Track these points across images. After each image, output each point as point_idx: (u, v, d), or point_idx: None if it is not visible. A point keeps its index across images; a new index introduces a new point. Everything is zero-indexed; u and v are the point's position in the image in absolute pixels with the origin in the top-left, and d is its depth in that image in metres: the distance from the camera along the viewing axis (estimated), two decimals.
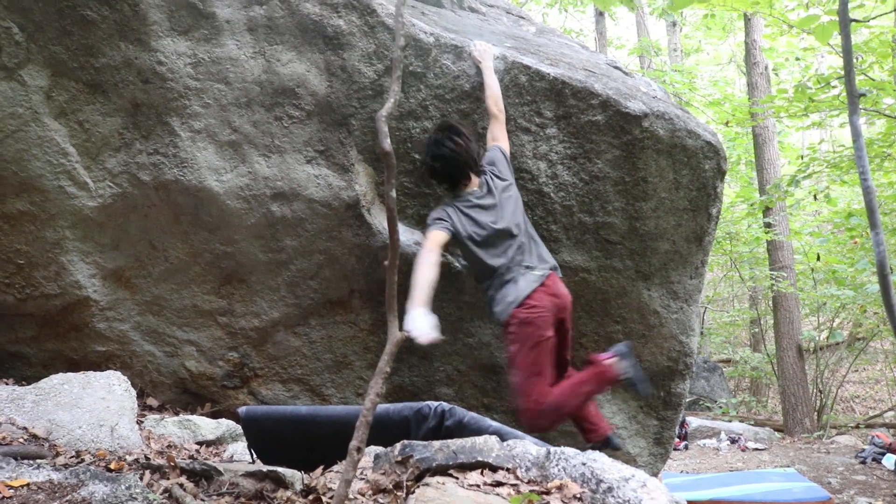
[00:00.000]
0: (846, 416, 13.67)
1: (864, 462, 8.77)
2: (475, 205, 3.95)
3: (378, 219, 4.26)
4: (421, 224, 4.35)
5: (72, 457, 3.14)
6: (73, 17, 3.75)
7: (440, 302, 4.40)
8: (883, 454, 8.76)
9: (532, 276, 3.93)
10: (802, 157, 10.12)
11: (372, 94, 4.09)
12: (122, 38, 3.82)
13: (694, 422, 11.71)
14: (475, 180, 4.02)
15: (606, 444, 4.08)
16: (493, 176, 4.03)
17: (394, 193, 2.95)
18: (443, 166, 3.95)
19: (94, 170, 4.02)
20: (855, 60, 8.14)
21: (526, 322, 3.86)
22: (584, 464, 2.49)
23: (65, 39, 3.79)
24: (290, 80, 4.02)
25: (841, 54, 3.71)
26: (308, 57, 4.03)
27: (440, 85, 4.16)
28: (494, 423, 3.16)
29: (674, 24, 17.55)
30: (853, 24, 3.80)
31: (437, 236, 3.84)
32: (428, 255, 3.76)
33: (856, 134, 3.59)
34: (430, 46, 4.14)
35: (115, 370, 4.03)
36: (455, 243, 3.99)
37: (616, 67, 5.27)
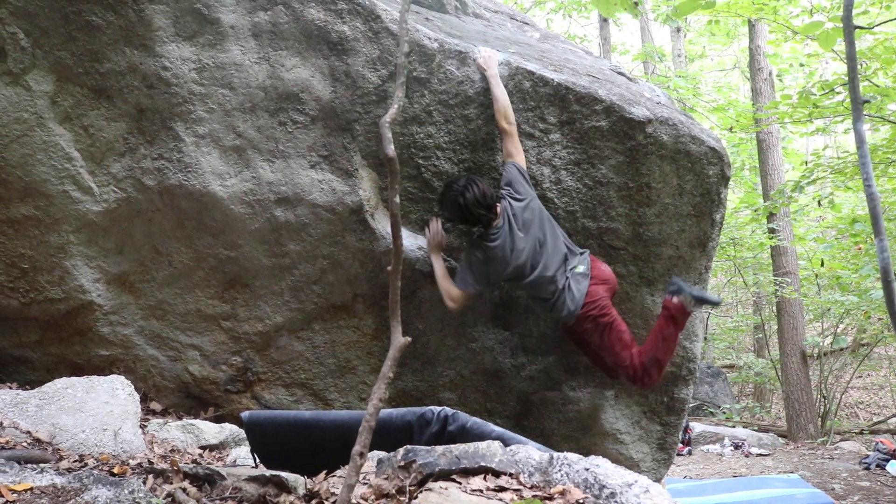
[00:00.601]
0: (850, 422, 13.63)
1: (868, 468, 8.75)
2: (497, 243, 4.10)
3: (382, 224, 4.27)
4: (424, 229, 4.36)
5: (75, 461, 3.14)
6: (79, 22, 3.76)
7: (444, 307, 4.41)
8: (887, 460, 8.75)
9: (579, 275, 4.24)
10: (807, 163, 10.12)
11: (376, 100, 4.10)
12: (127, 43, 3.83)
13: (697, 427, 11.69)
14: (498, 212, 4.11)
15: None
16: (510, 200, 4.11)
17: (397, 199, 2.96)
18: (462, 217, 4.08)
19: (98, 174, 4.03)
20: (859, 67, 8.13)
21: (594, 318, 4.26)
22: (587, 469, 2.49)
23: (70, 45, 3.80)
24: (294, 85, 4.03)
25: (845, 60, 3.72)
26: (312, 62, 4.04)
27: (444, 90, 4.17)
28: (497, 429, 3.16)
29: (678, 30, 17.56)
30: (857, 30, 3.80)
31: (462, 296, 4.21)
32: (450, 303, 4.20)
33: (860, 140, 3.60)
34: (434, 52, 4.15)
35: (119, 374, 4.04)
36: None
37: (620, 73, 5.28)
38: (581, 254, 4.33)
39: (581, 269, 4.23)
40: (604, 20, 17.02)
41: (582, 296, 4.21)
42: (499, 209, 4.09)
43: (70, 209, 4.03)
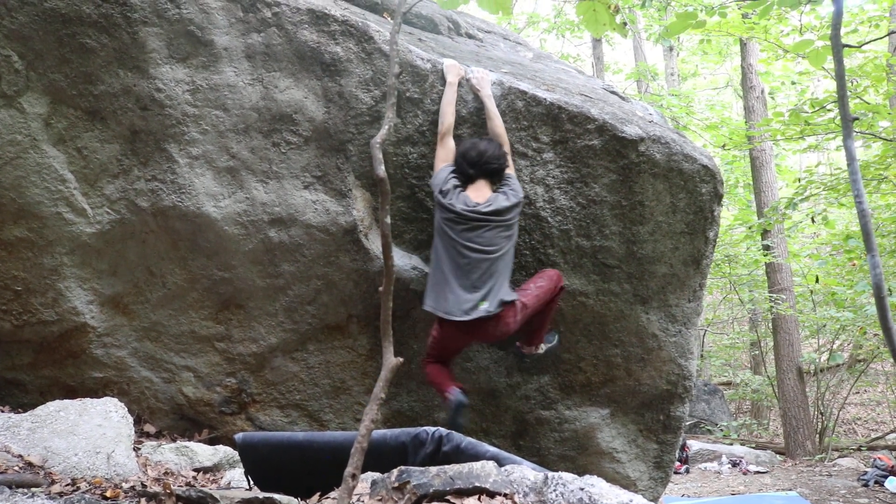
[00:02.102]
0: (848, 439, 13.60)
1: (866, 485, 8.72)
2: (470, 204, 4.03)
3: (376, 244, 4.27)
4: (418, 249, 4.36)
5: (67, 485, 3.11)
6: (73, 45, 3.78)
7: None
8: (885, 477, 8.71)
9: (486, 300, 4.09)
10: (800, 180, 10.15)
11: (369, 120, 4.11)
12: (121, 65, 3.85)
13: (695, 445, 11.64)
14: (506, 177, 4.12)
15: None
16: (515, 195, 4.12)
17: (388, 220, 2.97)
18: (476, 162, 4.04)
19: (92, 196, 4.03)
20: (849, 84, 8.20)
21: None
22: (581, 489, 2.48)
23: (64, 67, 3.81)
24: (287, 106, 4.04)
25: (835, 78, 3.75)
26: (306, 83, 4.05)
27: (437, 111, 4.19)
28: (492, 449, 3.15)
29: (671, 49, 17.68)
30: (846, 49, 3.83)
31: (447, 135, 4.14)
32: (440, 128, 4.14)
33: (850, 158, 3.62)
34: (427, 72, 4.17)
35: (113, 397, 4.01)
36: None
37: (613, 92, 5.31)
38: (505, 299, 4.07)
39: (485, 305, 3.98)
40: (596, 40, 17.14)
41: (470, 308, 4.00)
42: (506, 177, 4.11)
43: (64, 231, 4.02)
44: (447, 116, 4.12)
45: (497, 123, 4.14)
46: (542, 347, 4.46)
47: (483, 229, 3.99)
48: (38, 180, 3.93)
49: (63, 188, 3.97)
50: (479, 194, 4.06)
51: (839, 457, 11.23)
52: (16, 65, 3.77)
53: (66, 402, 3.75)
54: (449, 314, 3.99)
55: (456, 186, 4.04)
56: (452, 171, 4.07)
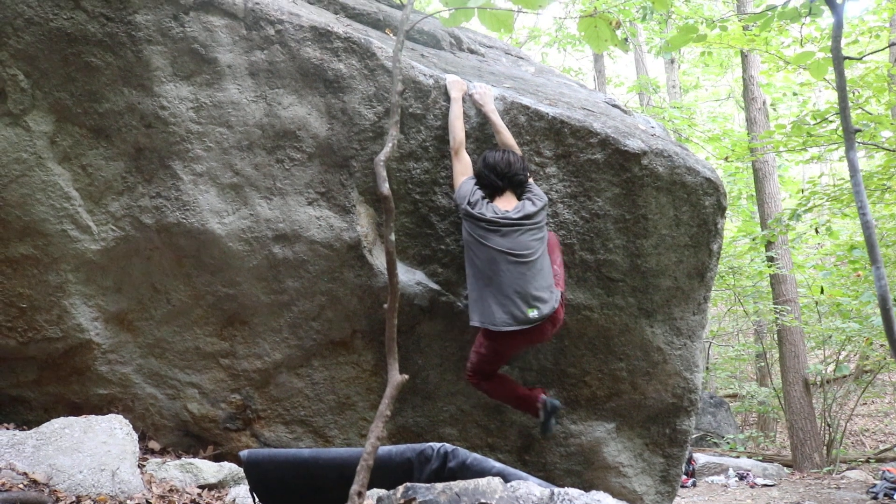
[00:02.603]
0: (856, 451, 13.52)
1: (875, 497, 8.66)
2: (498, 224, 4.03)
3: (380, 259, 4.27)
4: (422, 264, 4.37)
5: (72, 502, 3.12)
6: (78, 63, 3.80)
7: (443, 341, 4.42)
8: (895, 489, 8.66)
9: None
10: (803, 191, 10.15)
11: (372, 136, 4.13)
12: (126, 83, 3.87)
13: (701, 458, 11.58)
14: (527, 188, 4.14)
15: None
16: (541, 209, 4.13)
17: (393, 237, 2.98)
18: (502, 173, 4.05)
19: (96, 213, 4.05)
20: (851, 95, 8.21)
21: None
22: None
23: (69, 86, 3.84)
24: (291, 122, 4.06)
25: (836, 89, 3.76)
26: (309, 100, 4.07)
27: (440, 126, 4.20)
28: (498, 465, 3.14)
29: (672, 62, 17.74)
30: (847, 60, 3.84)
31: (461, 149, 4.15)
32: (452, 143, 4.16)
33: (853, 169, 3.61)
34: (429, 88, 4.19)
35: (117, 413, 4.02)
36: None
37: (615, 106, 5.32)
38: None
39: (534, 314, 4.00)
40: (598, 54, 17.20)
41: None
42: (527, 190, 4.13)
43: (68, 248, 4.04)
44: (457, 131, 4.14)
45: (506, 136, 4.16)
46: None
47: (516, 234, 4.00)
48: (43, 198, 3.94)
49: (68, 205, 3.98)
50: (507, 203, 4.08)
51: (847, 469, 11.16)
52: (22, 84, 3.80)
53: (71, 419, 3.75)
54: (499, 326, 3.98)
55: (483, 197, 4.06)
56: (475, 183, 4.09)
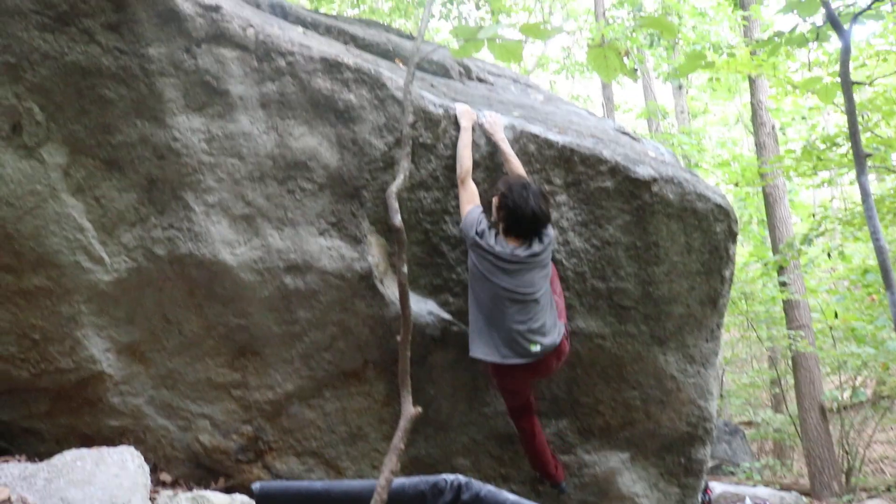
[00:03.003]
0: (876, 479, 13.30)
1: None
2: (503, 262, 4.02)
3: (391, 289, 4.27)
4: (433, 293, 4.36)
5: None
6: (92, 96, 3.84)
7: (455, 371, 4.39)
8: None
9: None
10: (814, 215, 10.11)
11: (383, 166, 4.14)
12: (139, 115, 3.91)
13: (717, 487, 11.40)
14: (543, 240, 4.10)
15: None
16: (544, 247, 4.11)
17: (405, 269, 2.97)
18: (526, 215, 4.00)
19: (109, 245, 4.06)
20: (861, 119, 8.20)
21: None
22: None
23: (83, 118, 3.87)
24: (302, 153, 4.08)
25: (846, 114, 3.76)
26: (320, 131, 4.10)
27: (450, 156, 4.22)
28: (512, 497, 3.12)
29: (680, 87, 17.78)
30: (855, 84, 3.84)
31: (468, 178, 4.16)
32: (459, 172, 4.18)
33: (865, 194, 3.61)
34: (439, 118, 4.21)
35: (129, 445, 3.99)
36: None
37: (624, 133, 5.33)
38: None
39: (536, 349, 4.02)
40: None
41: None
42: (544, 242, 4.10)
43: (81, 279, 4.05)
44: (465, 160, 4.14)
45: (515, 165, 4.17)
46: None
47: (523, 273, 4.00)
48: (57, 229, 3.96)
49: (81, 237, 4.00)
50: (516, 240, 4.07)
51: (867, 497, 10.99)
52: (37, 117, 3.83)
53: (83, 451, 3.73)
54: (502, 360, 4.00)
55: (490, 227, 4.06)
56: (482, 211, 4.08)
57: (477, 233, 4.01)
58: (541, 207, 4.00)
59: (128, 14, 3.76)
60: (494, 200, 4.11)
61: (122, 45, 3.80)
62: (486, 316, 4.01)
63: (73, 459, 3.64)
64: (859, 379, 13.38)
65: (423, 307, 4.32)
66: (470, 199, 4.12)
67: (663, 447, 4.93)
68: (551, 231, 4.15)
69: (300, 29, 4.63)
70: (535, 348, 3.98)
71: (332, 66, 4.09)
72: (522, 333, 3.97)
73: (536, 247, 4.04)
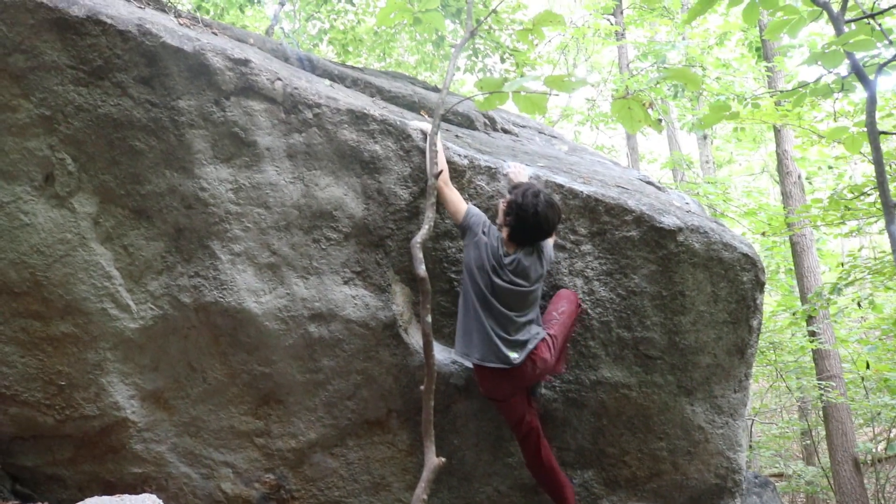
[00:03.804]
0: None
1: None
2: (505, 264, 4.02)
3: (415, 338, 4.26)
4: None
5: None
6: (123, 147, 3.92)
7: (479, 421, 4.35)
8: None
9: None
10: (843, 265, 9.98)
11: (408, 216, 4.17)
12: (168, 166, 3.98)
13: None
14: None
15: None
16: (537, 257, 4.10)
17: (429, 318, 2.97)
18: (532, 220, 3.97)
19: (136, 292, 4.11)
20: (888, 168, 8.14)
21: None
22: None
23: (114, 168, 3.95)
24: (328, 203, 4.13)
25: (873, 163, 3.73)
26: (345, 181, 4.15)
27: (476, 205, 4.24)
28: None
29: (704, 137, 17.80)
30: (882, 134, 3.83)
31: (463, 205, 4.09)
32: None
33: (894, 243, 3.56)
34: (464, 168, 4.24)
35: (151, 493, 3.99)
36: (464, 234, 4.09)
37: (649, 182, 5.34)
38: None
39: (514, 355, 4.00)
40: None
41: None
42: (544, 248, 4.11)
43: (108, 326, 4.09)
44: (442, 161, 4.14)
45: None
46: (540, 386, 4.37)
47: (518, 280, 4.00)
48: (85, 277, 4.02)
49: (109, 284, 4.05)
50: (518, 247, 4.06)
51: None
52: (69, 167, 3.92)
53: (105, 498, 3.72)
54: (482, 361, 3.97)
55: (491, 227, 4.08)
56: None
57: (483, 231, 4.02)
58: (548, 217, 3.99)
59: (159, 68, 3.86)
60: (502, 204, 4.09)
61: (153, 97, 3.89)
62: (473, 317, 3.99)
63: None
64: (894, 431, 13.07)
65: (447, 356, 4.31)
66: (460, 198, 4.12)
67: (691, 499, 4.83)
68: (551, 244, 4.18)
69: (327, 82, 4.72)
70: (514, 355, 3.96)
71: (358, 118, 4.15)
72: (505, 340, 3.96)
73: (538, 268, 4.05)
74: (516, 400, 4.23)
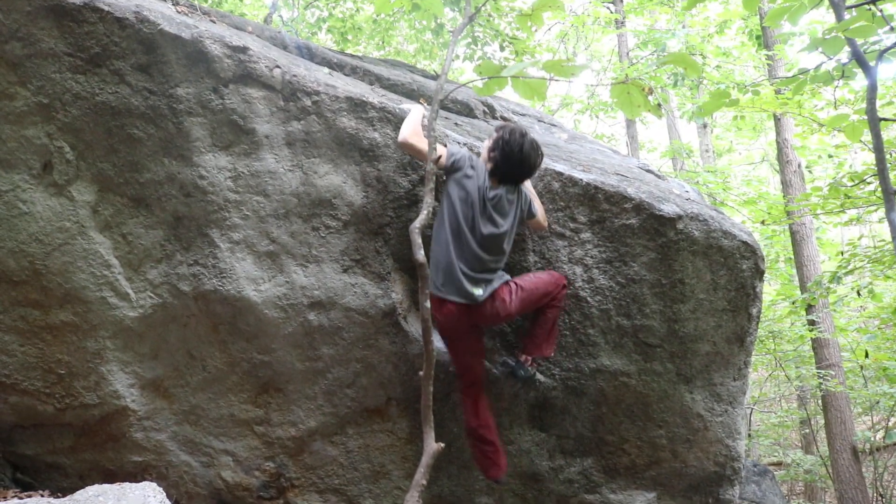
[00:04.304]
0: None
1: None
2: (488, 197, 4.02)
3: (415, 326, 4.26)
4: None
5: None
6: (121, 135, 3.91)
7: None
8: None
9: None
10: (843, 254, 9.98)
11: (407, 204, 4.17)
12: (166, 154, 3.97)
13: None
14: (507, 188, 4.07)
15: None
16: (517, 204, 4.10)
17: (428, 304, 2.97)
18: (516, 159, 3.98)
19: (135, 281, 4.11)
20: (889, 156, 8.12)
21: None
22: None
23: (112, 157, 3.94)
24: (326, 191, 4.12)
25: (873, 151, 3.72)
26: (344, 169, 4.14)
27: None
28: None
29: (704, 126, 17.76)
30: (883, 122, 3.81)
31: (418, 140, 3.99)
32: (407, 136, 3.99)
33: (894, 231, 3.55)
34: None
35: (151, 481, 3.99)
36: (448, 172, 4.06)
37: (648, 171, 5.33)
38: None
39: (479, 292, 4.01)
40: (630, 119, 17.29)
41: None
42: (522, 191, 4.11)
43: (107, 315, 4.09)
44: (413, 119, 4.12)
45: (536, 202, 4.18)
46: (532, 370, 4.30)
47: (496, 218, 4.00)
48: (84, 265, 4.02)
49: (108, 273, 4.05)
50: (499, 185, 4.06)
51: None
52: (67, 155, 3.91)
53: (105, 486, 3.73)
54: (446, 294, 3.95)
55: (477, 162, 4.07)
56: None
57: (471, 166, 4.02)
58: (531, 156, 4.00)
59: (157, 55, 3.85)
60: (488, 142, 4.09)
61: (151, 85, 3.88)
62: (444, 251, 3.97)
63: (96, 495, 3.64)
64: (892, 420, 13.10)
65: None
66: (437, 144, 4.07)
67: (690, 487, 4.84)
68: (536, 198, 4.19)
69: (326, 70, 4.70)
70: (479, 291, 3.96)
71: (357, 106, 4.14)
72: (469, 277, 3.95)
73: (516, 198, 4.06)
74: (470, 344, 4.20)
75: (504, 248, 4.07)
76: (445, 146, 4.09)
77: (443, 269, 3.96)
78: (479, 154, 4.22)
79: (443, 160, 4.02)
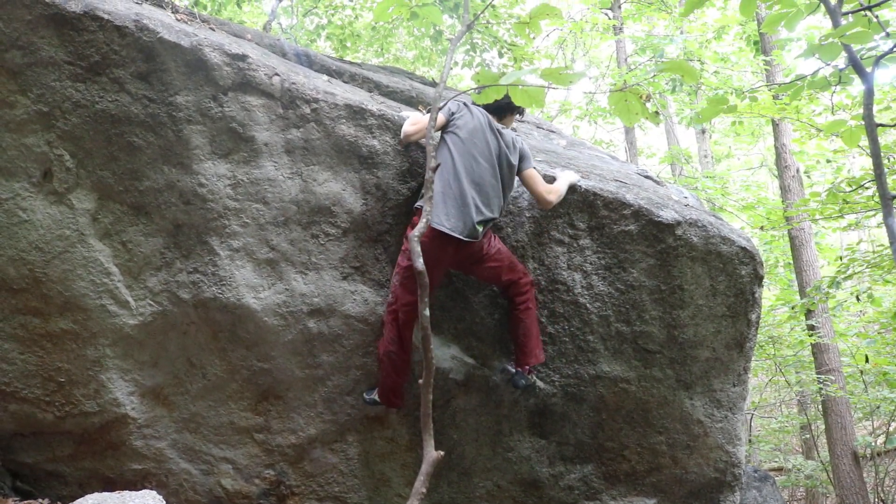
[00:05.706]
0: None
1: None
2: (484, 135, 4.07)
3: (414, 334, 4.26)
4: (457, 338, 4.34)
5: None
6: (121, 143, 3.92)
7: (479, 416, 4.36)
8: None
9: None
10: (842, 258, 9.97)
11: (406, 211, 4.17)
12: (166, 162, 3.98)
13: None
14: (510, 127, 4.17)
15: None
16: (514, 149, 4.14)
17: (427, 312, 2.96)
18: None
19: (135, 289, 4.11)
20: (886, 161, 8.14)
21: None
22: None
23: (112, 164, 3.95)
24: (326, 198, 4.13)
25: (871, 155, 3.73)
26: (343, 176, 4.15)
27: None
28: None
29: (703, 132, 17.78)
30: (880, 127, 3.82)
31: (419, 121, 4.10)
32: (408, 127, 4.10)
33: (892, 236, 3.56)
34: None
35: (151, 489, 3.99)
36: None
37: (647, 177, 5.34)
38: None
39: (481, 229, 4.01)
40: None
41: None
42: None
43: (107, 323, 4.09)
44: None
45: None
46: (532, 378, 4.27)
47: (509, 147, 4.07)
48: (84, 273, 4.02)
49: (108, 281, 4.05)
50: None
51: None
52: (67, 163, 3.92)
53: (105, 494, 3.73)
54: (453, 230, 3.89)
55: (472, 105, 4.12)
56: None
57: (465, 105, 4.11)
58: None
59: (157, 63, 3.86)
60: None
61: (150, 93, 3.89)
62: (454, 185, 3.95)
63: (96, 503, 3.64)
64: (893, 424, 13.09)
65: (447, 352, 4.31)
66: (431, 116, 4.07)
67: (691, 493, 4.83)
68: (528, 151, 4.24)
69: (325, 77, 4.71)
70: (481, 229, 3.96)
71: (356, 113, 4.15)
72: (479, 209, 3.94)
73: (517, 142, 4.15)
74: (436, 280, 4.07)
75: (507, 186, 4.08)
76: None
77: (452, 205, 3.91)
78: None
79: (441, 120, 4.05)
